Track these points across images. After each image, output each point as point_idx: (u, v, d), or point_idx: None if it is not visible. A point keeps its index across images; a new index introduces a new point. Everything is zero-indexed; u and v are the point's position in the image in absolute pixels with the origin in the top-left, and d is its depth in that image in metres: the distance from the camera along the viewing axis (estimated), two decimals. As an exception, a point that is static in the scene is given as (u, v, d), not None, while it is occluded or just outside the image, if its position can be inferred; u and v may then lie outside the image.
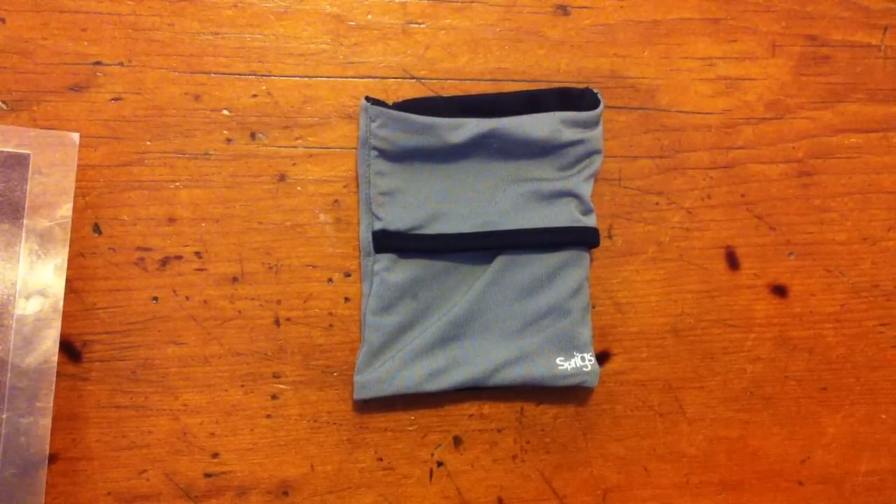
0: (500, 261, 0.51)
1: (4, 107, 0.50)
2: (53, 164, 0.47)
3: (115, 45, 0.51)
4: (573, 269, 0.51)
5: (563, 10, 0.54)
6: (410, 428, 0.52)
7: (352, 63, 0.53)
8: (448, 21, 0.54)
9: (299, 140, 0.52)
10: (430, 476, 0.52)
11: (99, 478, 0.50)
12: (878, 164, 0.57)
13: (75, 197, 0.48)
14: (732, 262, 0.55)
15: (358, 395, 0.50)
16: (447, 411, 0.52)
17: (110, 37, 0.51)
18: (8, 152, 0.47)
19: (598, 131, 0.52)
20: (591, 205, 0.52)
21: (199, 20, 0.52)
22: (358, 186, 0.52)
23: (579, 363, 0.51)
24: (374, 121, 0.51)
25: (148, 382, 0.50)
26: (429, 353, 0.51)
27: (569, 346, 0.51)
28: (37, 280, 0.46)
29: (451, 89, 0.53)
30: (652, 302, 0.54)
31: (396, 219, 0.51)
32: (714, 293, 0.55)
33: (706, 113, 0.55)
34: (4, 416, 0.45)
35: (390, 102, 0.52)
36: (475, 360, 0.51)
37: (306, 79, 0.52)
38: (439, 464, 0.52)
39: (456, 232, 0.51)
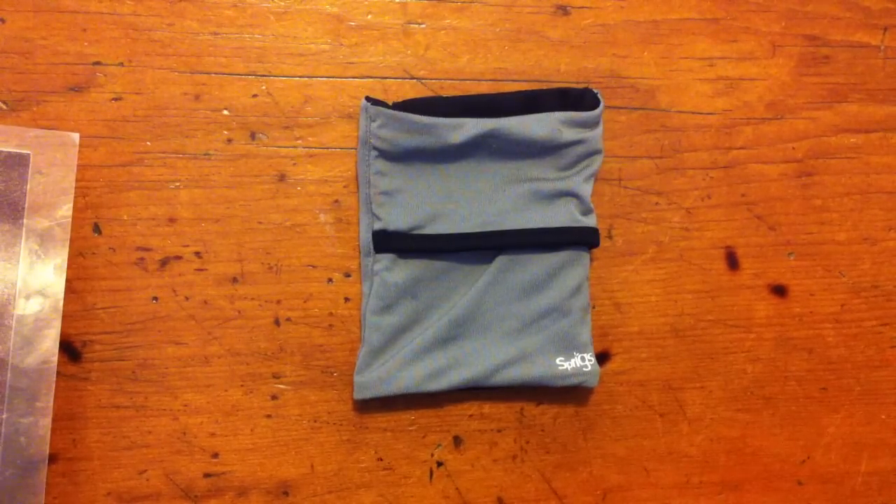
0: (500, 261, 0.51)
1: (4, 107, 0.50)
2: (53, 164, 0.47)
3: (115, 45, 0.51)
4: (573, 269, 0.51)
5: (563, 10, 0.54)
6: (410, 428, 0.52)
7: (352, 63, 0.53)
8: (448, 21, 0.54)
9: (299, 140, 0.52)
10: (430, 476, 0.52)
11: (99, 478, 0.50)
12: (878, 164, 0.57)
13: (75, 197, 0.48)
14: (732, 262, 0.55)
15: (358, 395, 0.50)
16: (447, 411, 0.52)
17: (110, 37, 0.51)
18: (8, 152, 0.47)
19: (598, 131, 0.52)
20: (591, 205, 0.52)
21: (199, 20, 0.52)
22: (358, 186, 0.52)
23: (579, 363, 0.51)
24: (374, 121, 0.51)
25: (148, 382, 0.50)
26: (429, 353, 0.51)
27: (569, 346, 0.51)
28: (37, 280, 0.46)
29: (451, 89, 0.53)
30: (652, 302, 0.54)
31: (396, 219, 0.51)
32: (714, 293, 0.55)
33: (706, 113, 0.55)
34: (4, 416, 0.45)
35: (390, 102, 0.52)
36: (475, 360, 0.51)
37: (306, 79, 0.52)
38: (439, 464, 0.52)
39: (456, 232, 0.51)
